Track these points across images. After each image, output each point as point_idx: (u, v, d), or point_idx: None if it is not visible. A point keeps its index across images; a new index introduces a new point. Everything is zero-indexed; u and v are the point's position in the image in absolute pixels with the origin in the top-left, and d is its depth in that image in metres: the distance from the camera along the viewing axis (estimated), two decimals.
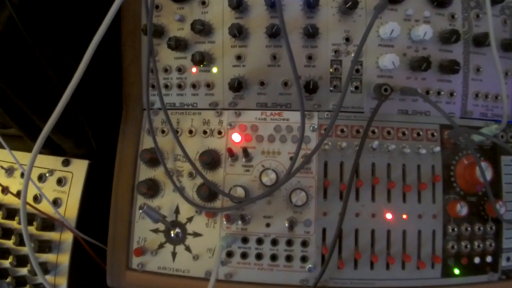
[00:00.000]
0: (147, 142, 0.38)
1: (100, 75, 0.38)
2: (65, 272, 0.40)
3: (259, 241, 0.34)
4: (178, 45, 0.35)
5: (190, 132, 0.37)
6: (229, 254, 0.34)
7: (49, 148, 0.41)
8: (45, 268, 0.40)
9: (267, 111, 0.36)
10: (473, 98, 0.37)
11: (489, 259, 0.36)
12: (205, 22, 0.35)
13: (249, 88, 0.36)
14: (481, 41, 0.36)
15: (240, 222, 0.34)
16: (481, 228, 0.36)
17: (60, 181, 0.41)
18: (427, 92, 0.36)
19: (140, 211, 0.34)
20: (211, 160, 0.34)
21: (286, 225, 0.34)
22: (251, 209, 0.35)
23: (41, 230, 0.39)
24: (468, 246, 0.35)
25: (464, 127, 0.36)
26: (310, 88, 0.34)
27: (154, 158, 0.36)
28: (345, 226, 0.34)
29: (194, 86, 0.37)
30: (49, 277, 0.40)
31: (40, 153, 0.42)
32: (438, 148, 0.35)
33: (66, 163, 0.41)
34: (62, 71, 0.33)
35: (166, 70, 0.37)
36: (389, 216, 0.34)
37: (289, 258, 0.34)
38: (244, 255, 0.34)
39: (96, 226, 0.40)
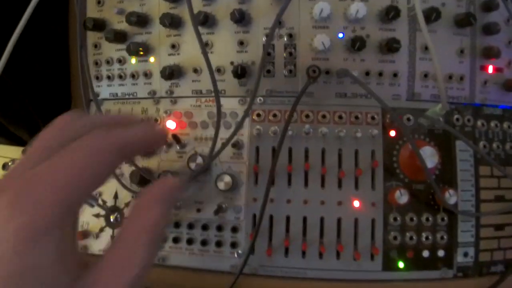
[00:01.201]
0: None
1: (50, 67, 0.41)
2: None
3: (190, 226, 0.35)
4: (116, 37, 0.37)
5: None
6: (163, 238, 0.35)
7: (12, 139, 0.45)
8: None
9: (202, 98, 0.37)
10: (421, 79, 0.36)
11: (441, 253, 0.34)
12: (140, 14, 0.37)
13: (185, 76, 0.37)
14: (428, 17, 0.35)
15: None
16: (430, 219, 0.34)
17: None
18: (367, 74, 0.35)
19: None
20: None
21: (215, 210, 0.34)
22: (182, 194, 0.35)
23: None
24: (414, 237, 0.33)
25: (403, 109, 0.34)
26: (238, 73, 0.34)
27: None
28: (276, 213, 0.34)
29: (133, 76, 0.39)
30: None
31: (4, 143, 0.47)
32: (376, 131, 0.34)
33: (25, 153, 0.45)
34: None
35: (108, 62, 0.40)
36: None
37: (219, 244, 0.34)
38: (176, 240, 0.35)
39: None
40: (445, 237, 0.34)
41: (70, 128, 0.21)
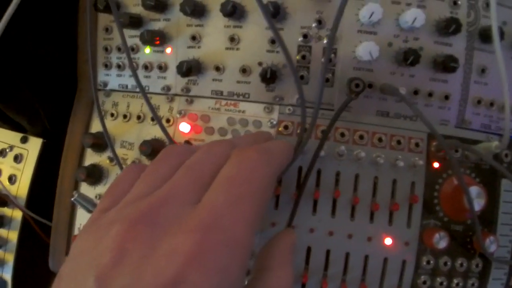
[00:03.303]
0: (97, 125, 0.32)
1: (54, 55, 0.32)
2: (13, 250, 0.35)
3: None
4: (130, 22, 0.28)
5: (139, 117, 0.30)
6: None
7: (10, 124, 0.36)
8: None
9: (222, 100, 0.28)
10: (474, 105, 0.27)
11: None
12: None
13: (204, 73, 0.28)
14: (489, 35, 0.26)
15: None
16: (464, 264, 0.26)
17: (16, 158, 0.35)
18: (416, 92, 0.26)
19: (72, 199, 0.28)
20: (151, 151, 0.27)
21: None
22: None
23: None
24: (445, 283, 0.26)
25: (454, 139, 0.26)
26: (268, 77, 0.26)
27: (98, 143, 0.30)
28: (296, 241, 0.26)
29: (146, 67, 0.30)
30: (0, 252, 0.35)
31: (3, 127, 0.38)
32: (421, 162, 0.25)
33: (24, 140, 0.36)
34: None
35: (119, 49, 0.30)
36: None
37: None
38: None
39: (48, 206, 0.35)
40: (475, 284, 0.26)
41: (214, 153, 0.16)
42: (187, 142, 0.27)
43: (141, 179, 0.16)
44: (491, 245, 0.25)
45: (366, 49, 0.24)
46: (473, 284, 0.26)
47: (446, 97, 0.27)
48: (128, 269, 0.11)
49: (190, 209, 0.13)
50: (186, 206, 0.13)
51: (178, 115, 0.29)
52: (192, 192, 0.14)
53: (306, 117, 0.22)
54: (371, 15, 0.24)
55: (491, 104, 0.27)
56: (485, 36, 0.26)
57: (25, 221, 0.35)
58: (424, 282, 0.26)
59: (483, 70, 0.27)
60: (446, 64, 0.25)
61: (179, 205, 0.13)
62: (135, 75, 0.24)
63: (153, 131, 0.29)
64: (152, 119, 0.29)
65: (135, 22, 0.29)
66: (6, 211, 0.36)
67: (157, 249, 0.11)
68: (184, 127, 0.28)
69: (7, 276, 0.35)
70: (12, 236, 0.35)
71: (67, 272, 0.13)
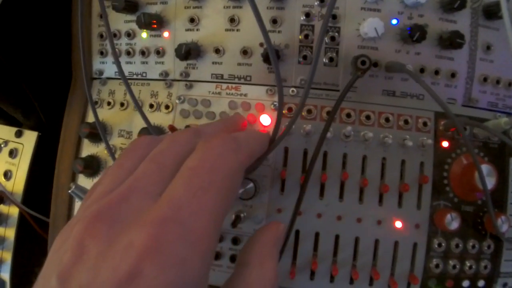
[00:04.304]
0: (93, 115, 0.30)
1: (48, 43, 0.30)
2: (11, 248, 0.33)
3: None
4: (126, 6, 0.26)
5: None
6: None
7: (6, 118, 0.34)
8: None
9: (223, 84, 0.26)
10: (480, 82, 0.26)
11: (481, 283, 0.25)
12: None
13: (203, 56, 0.27)
14: (493, 11, 0.25)
15: None
16: (476, 246, 0.24)
17: (11, 153, 0.33)
18: (422, 70, 0.25)
19: (69, 191, 0.26)
20: None
21: (232, 221, 0.24)
22: None
23: None
24: (457, 266, 0.24)
25: (464, 117, 0.25)
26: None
27: (94, 133, 0.28)
28: (303, 228, 0.24)
29: (143, 53, 0.28)
30: None
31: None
32: (430, 141, 0.24)
33: (18, 134, 0.33)
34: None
35: (115, 35, 0.28)
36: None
37: (234, 259, 0.25)
38: None
39: (45, 201, 0.33)
40: (488, 266, 0.25)
41: (178, 142, 0.15)
42: (172, 127, 0.25)
43: (106, 174, 0.15)
44: (503, 224, 0.24)
45: (371, 26, 0.23)
46: (485, 267, 0.25)
47: (453, 75, 0.25)
48: (86, 266, 0.11)
49: (151, 202, 0.13)
50: (148, 199, 0.13)
51: (177, 101, 0.27)
52: (155, 184, 0.13)
53: (282, 105, 0.20)
54: None
55: (498, 82, 0.26)
56: (489, 12, 0.25)
57: (22, 217, 0.33)
58: (437, 266, 0.24)
59: (488, 47, 0.26)
60: (452, 40, 0.24)
61: (141, 198, 0.13)
62: (116, 58, 0.22)
63: (151, 118, 0.27)
64: (151, 106, 0.28)
65: (131, 6, 0.27)
66: (2, 208, 0.33)
67: (114, 245, 0.11)
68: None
69: (5, 275, 0.33)
70: (9, 233, 0.33)
71: (42, 272, 0.13)
